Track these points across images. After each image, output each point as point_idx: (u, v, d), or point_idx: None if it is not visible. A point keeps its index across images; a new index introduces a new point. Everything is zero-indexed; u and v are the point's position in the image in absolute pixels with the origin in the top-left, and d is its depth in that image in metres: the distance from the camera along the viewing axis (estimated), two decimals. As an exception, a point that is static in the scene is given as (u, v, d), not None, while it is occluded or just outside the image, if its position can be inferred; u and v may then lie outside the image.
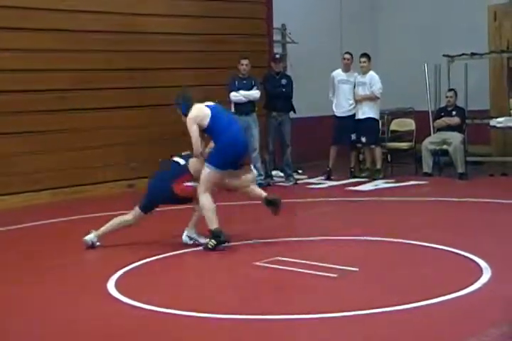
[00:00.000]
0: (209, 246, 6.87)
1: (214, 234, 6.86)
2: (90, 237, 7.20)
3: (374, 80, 11.65)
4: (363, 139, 11.74)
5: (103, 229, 7.26)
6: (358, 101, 11.73)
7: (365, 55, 11.79)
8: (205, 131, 7.01)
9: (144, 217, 7.29)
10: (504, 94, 12.52)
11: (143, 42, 11.42)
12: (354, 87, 11.77)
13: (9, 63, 10.01)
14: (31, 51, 10.20)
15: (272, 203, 7.12)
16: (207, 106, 7.07)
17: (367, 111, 11.68)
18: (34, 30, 10.22)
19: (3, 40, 9.95)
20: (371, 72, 11.75)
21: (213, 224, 6.88)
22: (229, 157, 6.93)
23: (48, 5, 10.33)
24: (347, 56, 11.82)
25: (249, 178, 7.27)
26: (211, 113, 6.95)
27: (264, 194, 7.19)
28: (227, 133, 6.96)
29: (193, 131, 6.92)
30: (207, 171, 6.91)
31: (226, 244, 6.94)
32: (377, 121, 11.89)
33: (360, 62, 11.74)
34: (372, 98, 11.66)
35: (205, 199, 6.90)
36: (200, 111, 6.97)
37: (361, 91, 11.70)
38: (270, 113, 11.58)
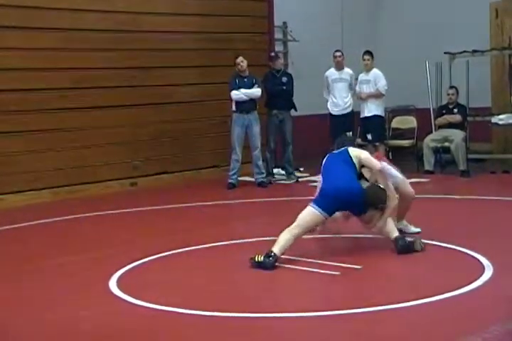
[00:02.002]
0: (255, 260, 6.23)
1: (268, 254, 6.26)
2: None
3: (378, 77, 11.64)
4: (369, 136, 11.75)
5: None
6: (362, 99, 11.74)
7: (368, 52, 11.76)
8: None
9: None
10: (506, 92, 12.48)
11: (144, 40, 11.42)
12: (350, 84, 11.80)
13: (10, 62, 10.00)
14: (32, 50, 10.19)
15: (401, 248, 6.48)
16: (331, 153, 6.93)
17: (373, 109, 11.69)
18: (35, 29, 10.22)
19: (4, 38, 9.95)
20: (375, 70, 11.74)
21: (277, 248, 6.31)
22: (330, 200, 6.43)
23: (49, 4, 10.33)
24: (337, 54, 11.81)
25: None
26: (325, 160, 6.88)
27: (393, 234, 6.55)
28: (327, 179, 6.66)
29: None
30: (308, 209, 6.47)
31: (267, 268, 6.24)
32: (382, 118, 11.90)
33: (363, 59, 11.71)
34: (377, 95, 11.66)
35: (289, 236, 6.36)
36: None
37: (365, 89, 11.70)
38: (271, 111, 11.57)
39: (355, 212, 6.62)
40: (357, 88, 11.81)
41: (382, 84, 11.63)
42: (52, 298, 5.68)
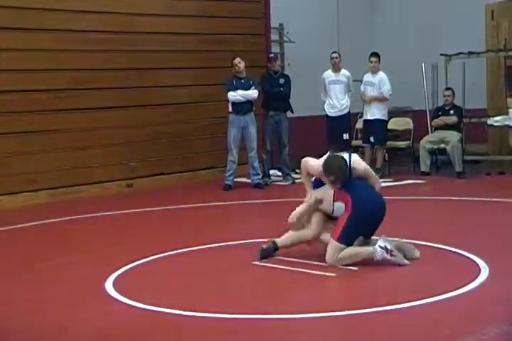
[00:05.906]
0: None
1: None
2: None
3: (383, 81, 11.68)
4: (372, 139, 11.79)
5: None
6: (366, 101, 11.78)
7: (375, 54, 11.81)
8: None
9: None
10: (501, 93, 12.51)
11: (140, 42, 11.42)
12: (348, 86, 11.84)
13: (6, 63, 10.00)
14: (28, 51, 10.18)
15: None
16: None
17: (375, 113, 11.77)
18: (31, 30, 10.21)
19: (0, 39, 9.94)
20: (380, 73, 11.78)
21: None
22: None
23: (44, 5, 10.32)
24: (334, 55, 11.82)
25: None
26: None
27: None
28: None
29: None
30: None
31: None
32: (384, 122, 11.94)
33: (371, 61, 11.75)
34: (381, 99, 11.71)
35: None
36: None
37: (370, 92, 11.75)
38: (267, 112, 11.58)
39: None
40: (361, 88, 11.86)
41: (386, 88, 11.68)
42: (49, 299, 5.67)
